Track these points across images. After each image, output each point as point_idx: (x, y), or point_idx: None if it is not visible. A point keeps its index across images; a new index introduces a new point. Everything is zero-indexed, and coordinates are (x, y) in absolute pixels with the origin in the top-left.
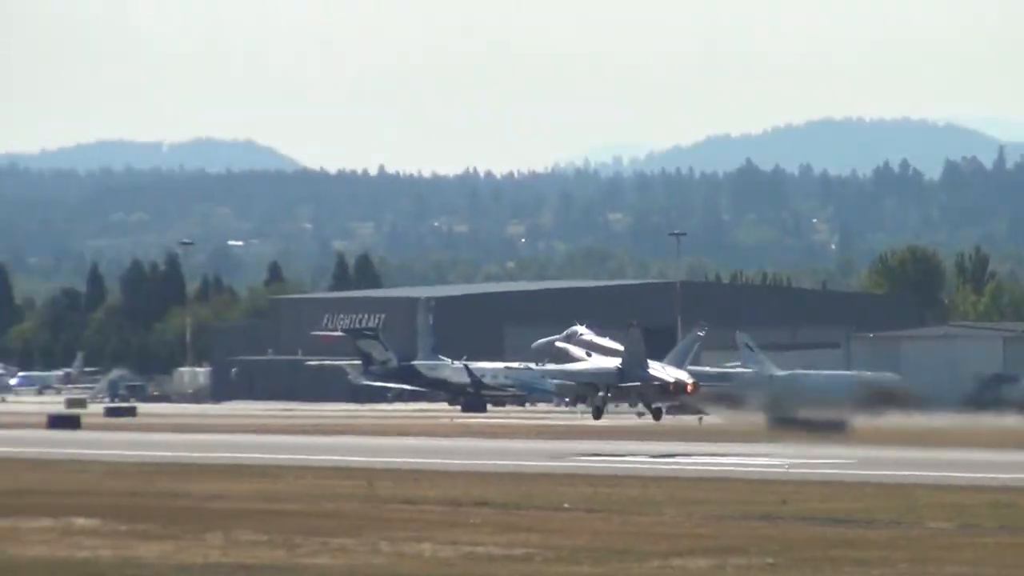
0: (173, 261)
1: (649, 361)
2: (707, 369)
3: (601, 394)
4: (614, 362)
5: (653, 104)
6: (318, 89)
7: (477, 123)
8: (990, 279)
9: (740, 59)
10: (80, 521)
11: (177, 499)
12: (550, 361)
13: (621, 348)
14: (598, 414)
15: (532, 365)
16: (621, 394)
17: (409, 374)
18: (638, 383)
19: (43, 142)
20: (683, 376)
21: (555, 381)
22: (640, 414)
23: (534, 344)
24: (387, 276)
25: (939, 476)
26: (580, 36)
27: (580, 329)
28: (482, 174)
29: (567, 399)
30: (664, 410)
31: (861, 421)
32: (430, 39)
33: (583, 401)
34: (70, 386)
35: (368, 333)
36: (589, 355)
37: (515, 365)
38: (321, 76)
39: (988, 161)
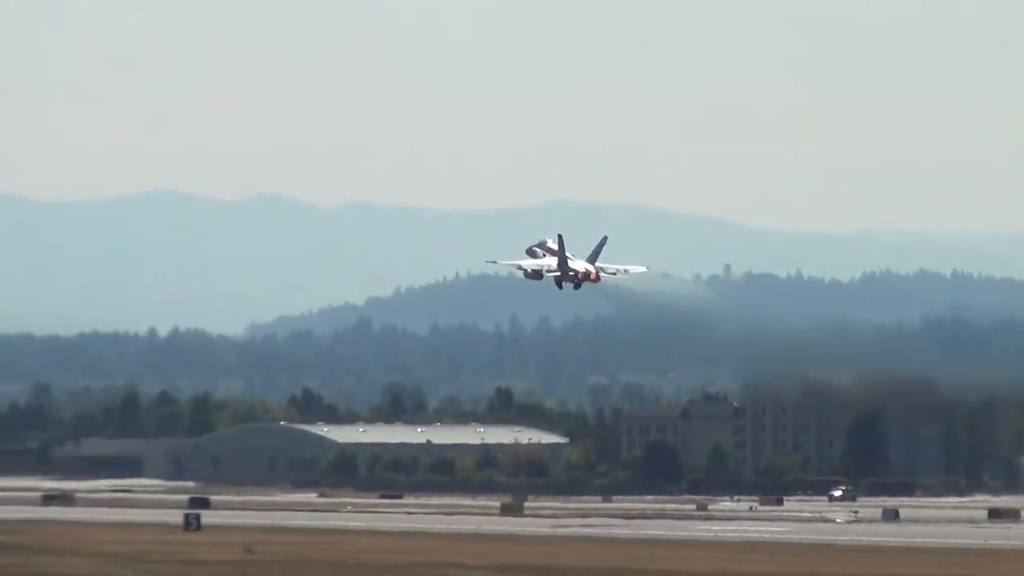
0: None
1: (572, 258)
2: (608, 266)
3: (544, 278)
4: (554, 260)
5: None
6: None
7: None
8: None
9: None
10: None
11: None
12: (528, 258)
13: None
14: (559, 285)
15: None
16: (558, 279)
17: None
18: (560, 272)
19: None
20: (590, 267)
21: (519, 271)
22: None
23: (527, 248)
24: None
25: None
26: None
27: (548, 240)
28: None
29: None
30: (580, 286)
31: None
32: None
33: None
34: None
35: None
36: (544, 255)
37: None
38: None
39: None
